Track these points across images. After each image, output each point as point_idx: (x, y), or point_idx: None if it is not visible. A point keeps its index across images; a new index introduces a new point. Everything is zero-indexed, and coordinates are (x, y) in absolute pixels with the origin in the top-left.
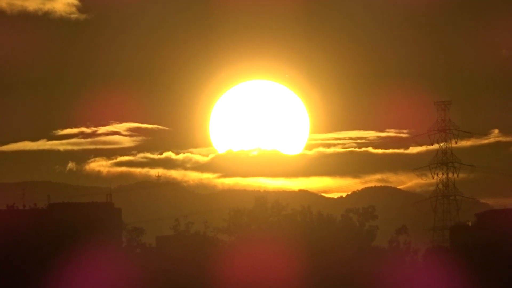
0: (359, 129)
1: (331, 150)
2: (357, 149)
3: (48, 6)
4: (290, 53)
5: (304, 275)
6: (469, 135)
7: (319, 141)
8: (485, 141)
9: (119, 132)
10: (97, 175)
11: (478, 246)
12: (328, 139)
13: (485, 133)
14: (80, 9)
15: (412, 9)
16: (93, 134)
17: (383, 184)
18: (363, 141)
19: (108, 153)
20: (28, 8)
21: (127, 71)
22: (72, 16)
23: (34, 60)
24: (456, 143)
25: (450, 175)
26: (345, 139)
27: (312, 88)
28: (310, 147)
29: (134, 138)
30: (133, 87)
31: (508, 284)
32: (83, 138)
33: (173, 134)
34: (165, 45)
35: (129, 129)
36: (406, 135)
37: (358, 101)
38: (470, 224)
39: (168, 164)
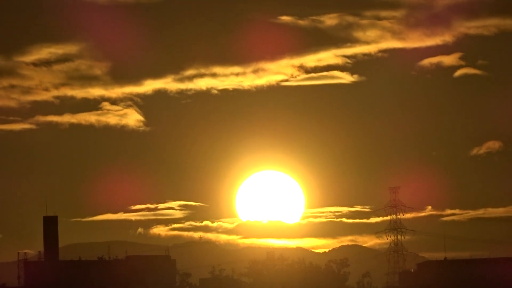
0: (336, 205)
1: (318, 220)
2: (335, 220)
3: (123, 121)
4: (289, 148)
5: None
6: (411, 209)
7: (310, 213)
8: (422, 214)
9: (173, 207)
10: (158, 237)
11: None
12: (315, 213)
13: (422, 208)
14: (145, 123)
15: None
16: (155, 209)
17: (353, 243)
18: (339, 213)
19: (166, 222)
20: (110, 123)
21: (180, 165)
22: (140, 128)
23: (115, 157)
24: (403, 215)
25: (399, 237)
26: (327, 213)
27: (307, 174)
28: (303, 217)
29: (183, 211)
30: (184, 176)
31: None
32: (148, 211)
33: (209, 209)
34: (207, 145)
35: (180, 205)
36: (369, 209)
37: (335, 185)
38: (413, 271)
39: (206, 229)
